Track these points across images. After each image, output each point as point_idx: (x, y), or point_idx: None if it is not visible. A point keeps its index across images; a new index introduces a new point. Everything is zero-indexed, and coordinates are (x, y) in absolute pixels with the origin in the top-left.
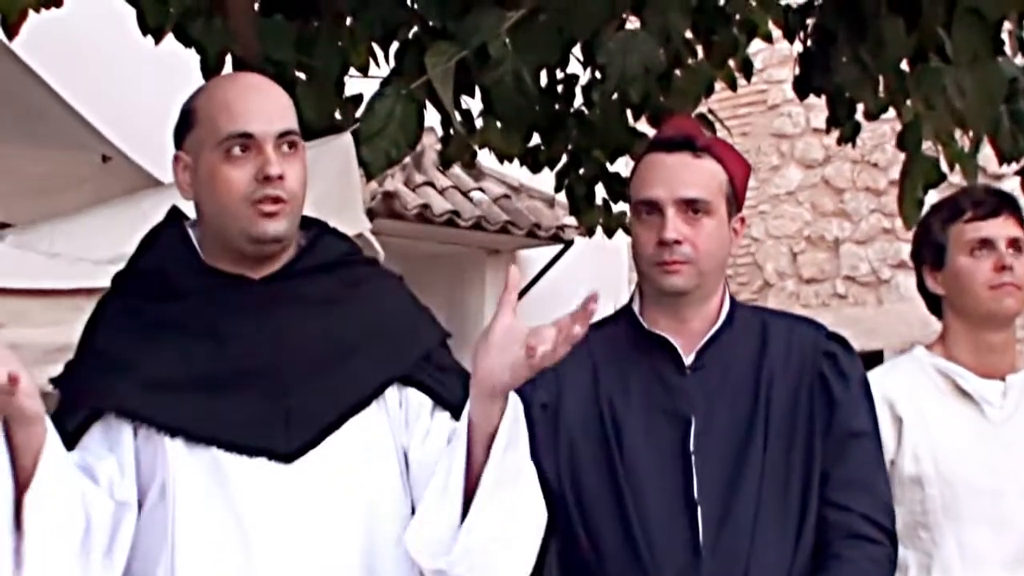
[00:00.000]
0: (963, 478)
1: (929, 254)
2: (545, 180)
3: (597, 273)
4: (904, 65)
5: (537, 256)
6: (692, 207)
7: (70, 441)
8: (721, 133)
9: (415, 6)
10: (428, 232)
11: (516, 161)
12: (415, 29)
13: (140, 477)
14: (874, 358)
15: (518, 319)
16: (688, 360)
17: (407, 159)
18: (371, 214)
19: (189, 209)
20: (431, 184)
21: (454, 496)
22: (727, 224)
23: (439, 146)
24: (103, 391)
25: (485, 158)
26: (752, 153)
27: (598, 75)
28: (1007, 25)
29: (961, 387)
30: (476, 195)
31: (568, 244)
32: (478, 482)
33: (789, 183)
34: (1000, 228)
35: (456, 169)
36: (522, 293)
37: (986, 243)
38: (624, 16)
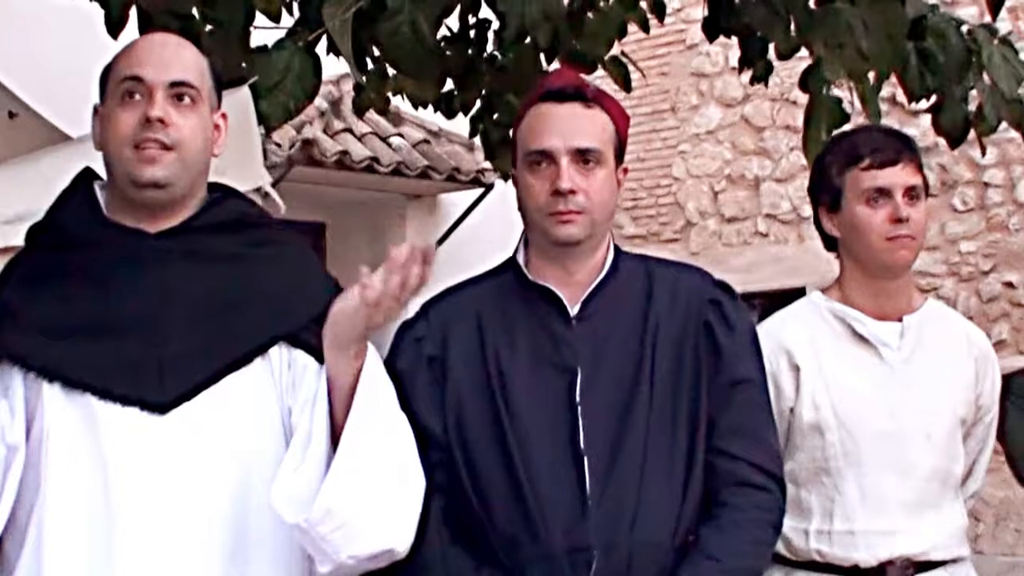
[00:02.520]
0: (862, 423)
1: (825, 196)
2: (463, 125)
3: (518, 216)
4: (812, 4)
5: (458, 200)
6: (585, 157)
7: None
8: (635, 75)
9: None
10: (348, 179)
11: (431, 107)
12: None
13: (30, 419)
14: (796, 295)
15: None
16: (573, 311)
17: (326, 106)
18: (290, 162)
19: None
20: (350, 131)
21: (316, 452)
22: (615, 174)
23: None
24: None
25: (404, 104)
26: (672, 93)
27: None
28: None
29: (857, 331)
30: (395, 141)
31: (488, 188)
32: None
33: (709, 122)
34: (897, 176)
35: (375, 115)
36: (444, 237)
37: (883, 192)
38: None
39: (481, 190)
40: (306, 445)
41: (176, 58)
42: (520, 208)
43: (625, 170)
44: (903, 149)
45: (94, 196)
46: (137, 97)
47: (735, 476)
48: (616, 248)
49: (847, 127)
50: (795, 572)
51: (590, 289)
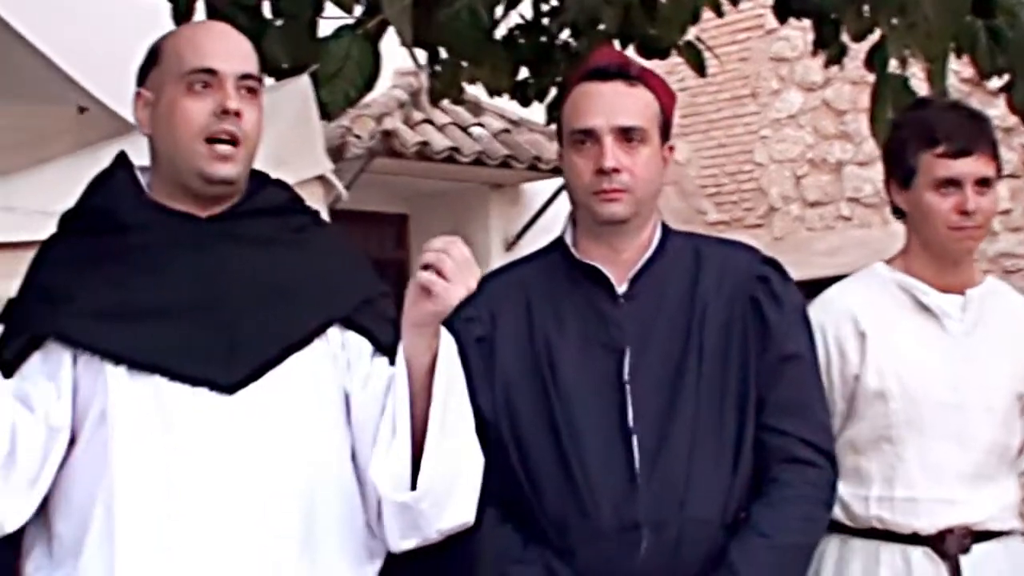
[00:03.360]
0: (926, 393)
1: (898, 171)
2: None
3: None
4: None
5: (540, 189)
6: (629, 135)
7: (8, 369)
8: (713, 61)
9: None
10: (429, 170)
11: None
12: None
13: (78, 404)
14: None
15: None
16: (621, 289)
17: (405, 97)
18: (371, 153)
19: (139, 157)
20: (430, 121)
21: (402, 435)
22: (660, 152)
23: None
24: (43, 318)
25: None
26: (752, 78)
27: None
28: None
29: (921, 301)
30: (476, 130)
31: None
32: (424, 418)
33: (790, 107)
34: (970, 167)
35: (455, 106)
36: (527, 226)
37: (953, 182)
38: None
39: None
40: (392, 425)
41: (241, 49)
42: (567, 188)
43: (671, 148)
44: (979, 137)
45: (137, 181)
46: (207, 88)
47: (785, 452)
48: (664, 226)
49: (926, 97)
50: (852, 540)
51: (637, 268)
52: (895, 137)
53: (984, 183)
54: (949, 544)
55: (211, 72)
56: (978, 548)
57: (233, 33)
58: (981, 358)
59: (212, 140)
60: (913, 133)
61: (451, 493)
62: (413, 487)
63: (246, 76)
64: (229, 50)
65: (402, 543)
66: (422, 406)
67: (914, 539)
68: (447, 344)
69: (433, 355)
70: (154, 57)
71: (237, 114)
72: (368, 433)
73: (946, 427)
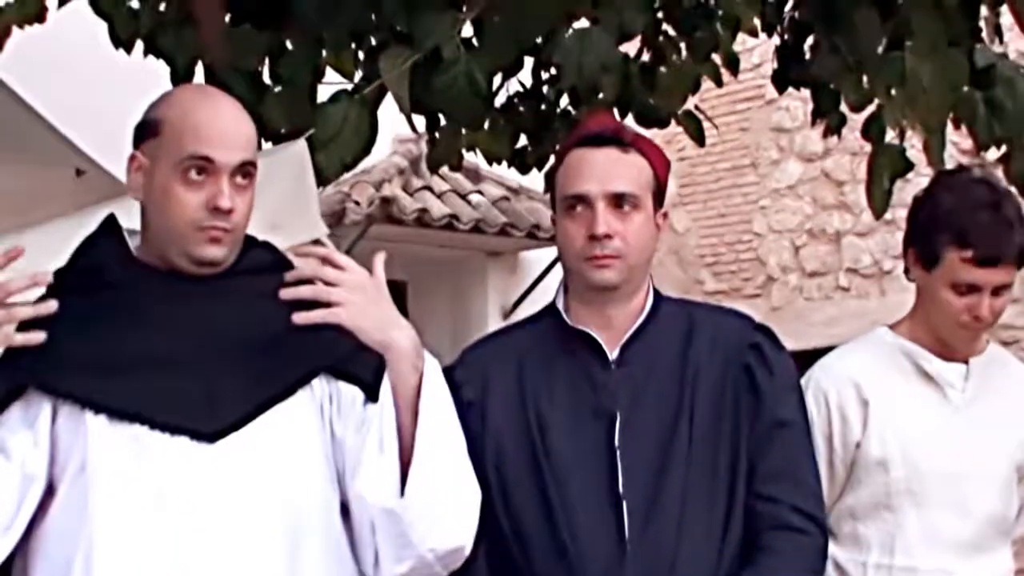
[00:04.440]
0: (927, 462)
1: (920, 249)
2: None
3: None
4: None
5: (538, 257)
6: (622, 202)
7: None
8: (713, 131)
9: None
10: (427, 236)
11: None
12: (384, 34)
13: (58, 455)
14: None
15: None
16: (612, 355)
17: (405, 164)
18: (369, 220)
19: (131, 219)
20: (429, 188)
21: (390, 450)
22: (653, 219)
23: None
24: (25, 368)
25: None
26: (752, 148)
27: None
28: (984, 12)
29: (924, 369)
30: (474, 198)
31: None
32: (412, 441)
33: (789, 177)
34: (993, 276)
35: (455, 173)
36: (525, 294)
37: (973, 288)
38: (577, 15)
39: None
40: (380, 442)
41: (240, 134)
42: (559, 253)
43: (665, 215)
44: (1009, 244)
45: (124, 242)
46: (202, 176)
47: (775, 519)
48: (656, 292)
49: (972, 178)
50: None
51: (629, 334)
52: (920, 214)
53: (1001, 289)
54: None
55: (208, 160)
56: None
57: (235, 114)
58: (981, 427)
59: (202, 229)
60: (946, 226)
61: (444, 509)
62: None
63: (244, 164)
64: (229, 136)
65: (396, 568)
66: (410, 429)
67: None
68: (432, 367)
69: (419, 377)
70: (154, 126)
71: (230, 211)
72: None
73: (946, 496)
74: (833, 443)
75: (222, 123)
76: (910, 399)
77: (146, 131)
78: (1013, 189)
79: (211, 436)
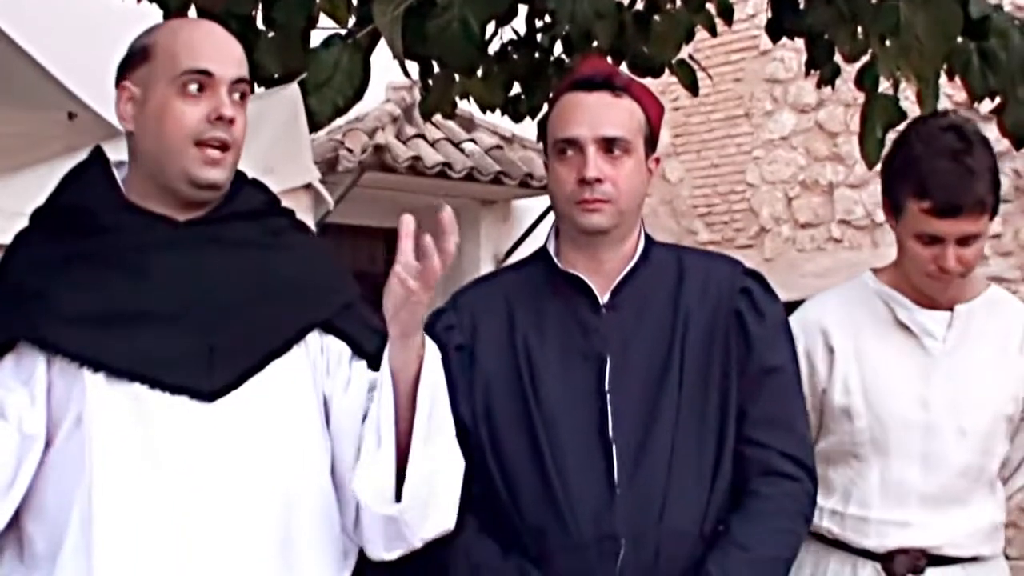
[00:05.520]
0: (893, 413)
1: (889, 198)
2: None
3: None
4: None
5: (531, 206)
6: (612, 146)
7: None
8: (703, 80)
9: None
10: (420, 184)
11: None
12: None
13: (52, 409)
14: None
15: (408, 263)
16: (603, 299)
17: (398, 111)
18: (362, 167)
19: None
20: (422, 136)
21: (387, 446)
22: (644, 164)
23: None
24: (16, 322)
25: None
26: (746, 99)
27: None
28: None
29: (899, 317)
30: (468, 146)
31: None
32: (408, 428)
33: (783, 128)
34: (953, 228)
35: (448, 121)
36: (518, 243)
37: (935, 238)
38: None
39: None
40: (377, 435)
41: (234, 52)
42: (550, 197)
43: (657, 160)
44: (969, 194)
45: (113, 178)
46: (200, 90)
47: (765, 465)
48: (647, 237)
49: (942, 126)
50: (808, 543)
51: (620, 278)
52: (892, 163)
53: (967, 239)
54: (898, 564)
55: (206, 74)
56: (933, 572)
57: (226, 35)
58: (961, 377)
59: (202, 144)
60: (905, 175)
61: (434, 501)
62: (397, 497)
63: (239, 80)
64: (223, 53)
65: (386, 555)
66: (406, 416)
67: (865, 553)
68: (432, 354)
69: (419, 364)
70: (144, 52)
71: (231, 121)
72: (349, 439)
73: (911, 448)
74: (804, 389)
75: (216, 39)
76: (882, 347)
77: (135, 59)
78: (1007, 142)
79: (210, 395)
